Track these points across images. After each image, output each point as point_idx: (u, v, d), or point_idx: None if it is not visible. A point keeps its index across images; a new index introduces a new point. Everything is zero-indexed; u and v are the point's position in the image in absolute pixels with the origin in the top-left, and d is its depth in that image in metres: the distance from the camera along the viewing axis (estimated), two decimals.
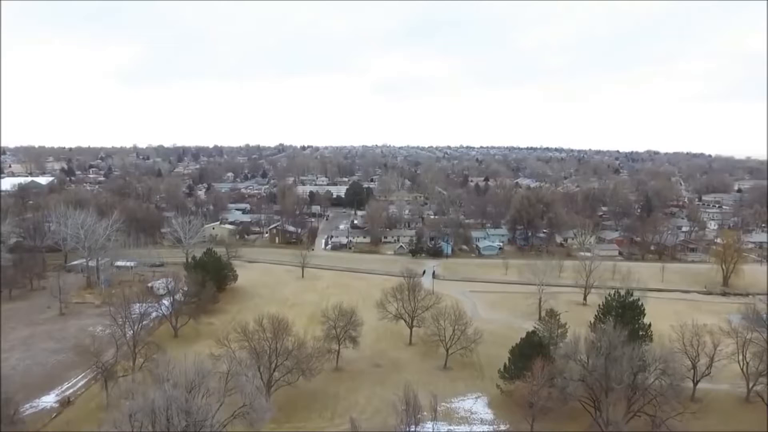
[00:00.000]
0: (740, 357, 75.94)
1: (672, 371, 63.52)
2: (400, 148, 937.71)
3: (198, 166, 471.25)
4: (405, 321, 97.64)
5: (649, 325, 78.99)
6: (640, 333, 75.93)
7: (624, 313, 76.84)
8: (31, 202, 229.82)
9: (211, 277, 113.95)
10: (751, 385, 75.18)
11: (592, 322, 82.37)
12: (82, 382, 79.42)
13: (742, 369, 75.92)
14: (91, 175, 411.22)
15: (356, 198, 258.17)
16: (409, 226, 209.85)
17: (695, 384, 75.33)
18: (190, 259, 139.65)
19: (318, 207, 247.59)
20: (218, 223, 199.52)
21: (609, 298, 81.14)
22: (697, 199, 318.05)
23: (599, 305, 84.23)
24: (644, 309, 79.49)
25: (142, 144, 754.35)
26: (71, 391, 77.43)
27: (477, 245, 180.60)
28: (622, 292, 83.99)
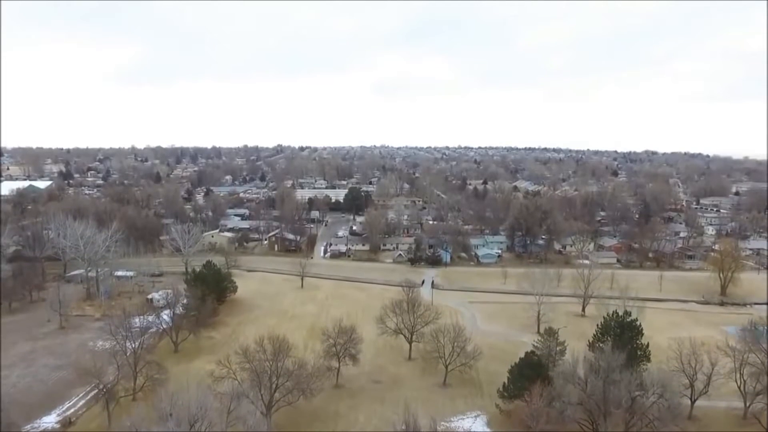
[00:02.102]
0: (737, 376, 76.34)
1: (670, 395, 63.90)
2: (398, 148, 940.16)
3: (196, 169, 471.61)
4: (404, 336, 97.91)
5: (647, 344, 79.42)
6: (638, 353, 76.35)
7: (622, 333, 77.32)
8: (29, 207, 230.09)
9: (211, 290, 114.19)
10: (748, 404, 75.67)
11: (590, 341, 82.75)
12: (82, 402, 79.54)
13: (739, 387, 76.36)
14: (89, 178, 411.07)
15: (355, 203, 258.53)
16: (407, 232, 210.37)
17: (693, 402, 75.79)
18: (189, 270, 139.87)
19: (317, 212, 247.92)
20: (217, 230, 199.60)
21: (608, 318, 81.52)
22: (695, 203, 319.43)
23: (598, 324, 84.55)
24: (642, 329, 79.87)
25: (140, 145, 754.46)
26: (72, 410, 77.51)
27: (476, 253, 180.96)
28: (621, 312, 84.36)
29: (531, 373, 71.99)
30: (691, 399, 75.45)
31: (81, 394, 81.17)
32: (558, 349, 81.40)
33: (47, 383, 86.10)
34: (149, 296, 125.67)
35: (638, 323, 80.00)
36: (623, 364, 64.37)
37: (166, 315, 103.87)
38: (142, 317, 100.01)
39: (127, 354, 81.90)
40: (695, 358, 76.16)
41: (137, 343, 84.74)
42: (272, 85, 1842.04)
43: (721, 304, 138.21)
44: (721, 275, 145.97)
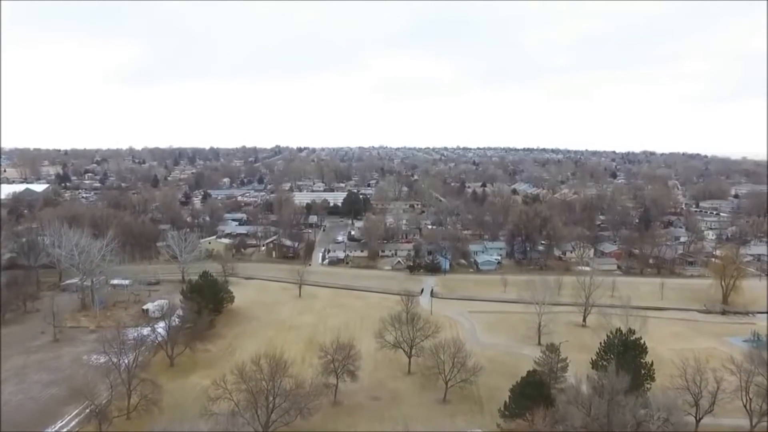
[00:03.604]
0: (743, 394, 74.98)
1: (676, 419, 62.49)
2: (397, 149, 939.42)
3: (194, 170, 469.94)
4: (404, 350, 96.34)
5: (652, 363, 77.97)
6: (642, 372, 74.95)
7: (626, 351, 75.82)
8: (25, 212, 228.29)
9: (208, 302, 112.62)
10: (754, 422, 74.37)
11: (593, 359, 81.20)
12: (75, 421, 77.76)
13: (745, 406, 75.00)
14: (86, 181, 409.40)
15: (353, 207, 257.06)
16: (406, 238, 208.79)
17: (698, 421, 74.44)
18: (186, 279, 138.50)
19: (315, 217, 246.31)
20: (214, 237, 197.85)
21: (611, 335, 80.00)
22: (694, 206, 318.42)
23: (601, 342, 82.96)
24: (646, 347, 78.43)
25: (138, 145, 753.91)
26: (65, 430, 75.97)
27: (475, 260, 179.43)
28: (623, 325, 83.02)
29: (533, 392, 70.58)
30: (696, 417, 74.09)
31: (74, 413, 79.38)
32: (560, 365, 79.87)
33: (39, 401, 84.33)
34: (144, 307, 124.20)
35: (642, 341, 78.49)
36: (627, 388, 62.81)
37: (161, 328, 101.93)
38: (136, 330, 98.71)
39: (121, 371, 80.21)
40: (700, 376, 74.80)
41: (131, 360, 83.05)
42: (271, 85, 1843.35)
43: (723, 313, 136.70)
44: (722, 283, 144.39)
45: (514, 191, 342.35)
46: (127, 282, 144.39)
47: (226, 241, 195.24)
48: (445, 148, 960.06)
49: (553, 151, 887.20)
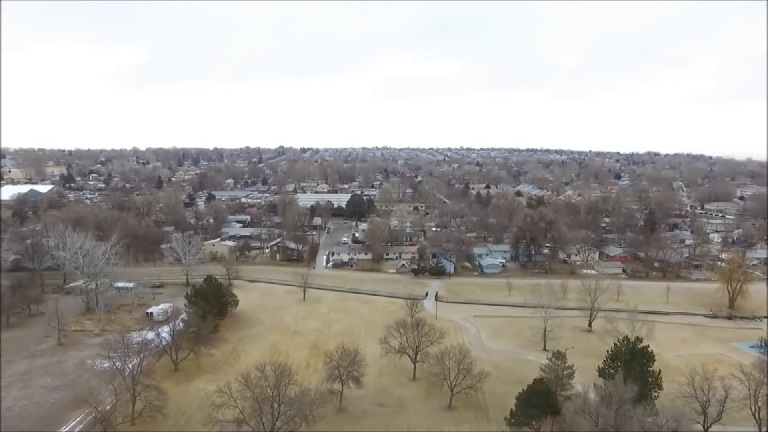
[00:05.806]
0: (751, 402, 74.29)
1: (684, 428, 61.88)
2: (400, 150, 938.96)
3: (198, 171, 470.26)
4: (409, 356, 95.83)
5: (659, 372, 77.28)
6: (650, 380, 74.29)
7: (633, 360, 75.12)
8: (29, 213, 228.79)
9: (212, 306, 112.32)
10: (763, 431, 73.64)
11: (600, 367, 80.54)
12: (80, 427, 77.53)
13: (753, 415, 74.32)
14: (90, 182, 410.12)
15: (357, 210, 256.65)
16: (411, 241, 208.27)
17: (706, 430, 73.82)
18: (190, 282, 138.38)
19: (319, 219, 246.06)
20: (218, 240, 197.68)
21: (618, 343, 79.26)
22: (699, 208, 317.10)
23: (608, 351, 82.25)
24: (653, 355, 77.68)
25: (142, 146, 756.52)
26: None
27: (479, 263, 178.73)
28: (629, 331, 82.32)
29: (539, 401, 70.08)
30: (703, 426, 73.57)
31: (79, 418, 79.26)
32: (566, 373, 79.22)
33: (44, 406, 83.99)
34: (148, 310, 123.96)
35: (649, 349, 77.75)
36: (635, 398, 62.22)
37: (165, 333, 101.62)
38: (140, 334, 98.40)
39: (125, 376, 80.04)
40: (708, 384, 74.20)
41: (135, 365, 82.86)
42: (275, 85, 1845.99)
43: (730, 317, 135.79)
44: (729, 288, 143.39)
45: (518, 193, 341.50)
46: (131, 285, 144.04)
47: (230, 243, 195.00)
48: (449, 149, 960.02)
49: (556, 151, 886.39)
